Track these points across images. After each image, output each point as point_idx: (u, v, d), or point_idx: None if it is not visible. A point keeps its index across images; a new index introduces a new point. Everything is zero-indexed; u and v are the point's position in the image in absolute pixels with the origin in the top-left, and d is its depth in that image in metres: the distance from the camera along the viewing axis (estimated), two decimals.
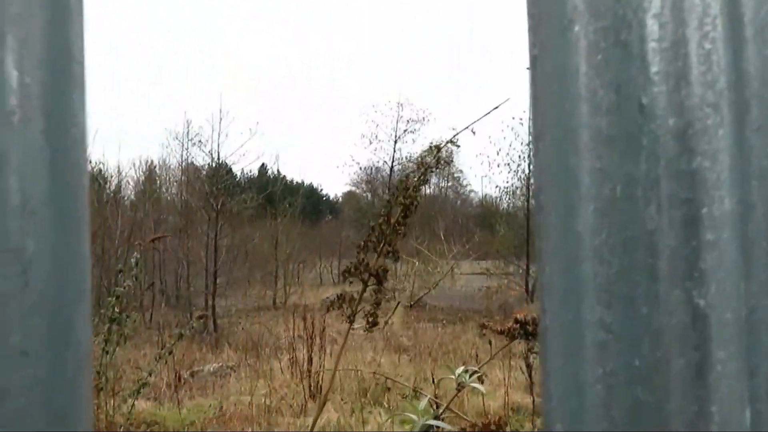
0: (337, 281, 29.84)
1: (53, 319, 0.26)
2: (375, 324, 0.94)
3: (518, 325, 1.08)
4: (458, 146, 0.95)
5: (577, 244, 0.27)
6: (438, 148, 0.95)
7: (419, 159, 0.97)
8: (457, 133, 0.96)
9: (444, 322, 14.55)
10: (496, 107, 1.12)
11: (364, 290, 0.95)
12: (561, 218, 0.27)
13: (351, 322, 0.94)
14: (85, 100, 0.26)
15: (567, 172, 0.26)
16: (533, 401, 5.34)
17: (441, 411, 1.00)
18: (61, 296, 0.26)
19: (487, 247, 22.16)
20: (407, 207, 0.95)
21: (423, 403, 0.99)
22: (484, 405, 4.92)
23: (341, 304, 0.96)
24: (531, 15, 0.26)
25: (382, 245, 0.94)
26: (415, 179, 0.96)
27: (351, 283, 0.96)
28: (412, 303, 17.65)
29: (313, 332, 6.93)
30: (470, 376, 1.06)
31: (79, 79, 0.25)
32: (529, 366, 5.05)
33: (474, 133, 1.05)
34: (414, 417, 0.98)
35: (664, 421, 0.26)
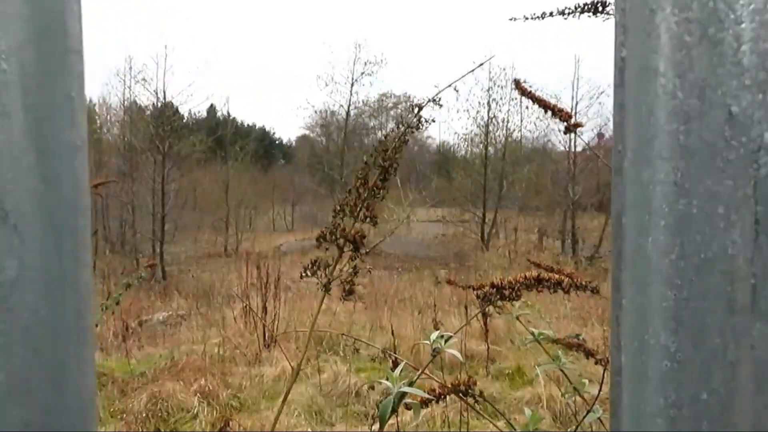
0: (290, 227, 29.79)
1: (43, 355, 0.22)
2: (351, 293, 0.92)
3: (494, 289, 1.08)
4: (441, 105, 0.92)
5: (646, 264, 0.25)
6: (419, 107, 0.91)
7: (399, 119, 0.93)
8: (440, 91, 0.92)
9: (399, 269, 14.75)
10: (480, 65, 1.08)
11: (339, 256, 0.93)
12: (633, 236, 0.25)
13: (326, 291, 0.92)
14: (84, 96, 0.21)
15: (640, 186, 0.24)
16: (487, 348, 5.51)
17: (416, 377, 1.00)
18: (53, 329, 0.22)
19: (443, 194, 22.39)
20: (386, 169, 0.92)
21: (398, 369, 0.99)
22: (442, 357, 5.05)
23: (315, 271, 0.93)
24: (619, 9, 0.23)
25: (359, 209, 0.92)
26: (395, 140, 0.93)
27: (327, 249, 0.93)
28: (367, 250, 17.80)
29: (267, 280, 6.91)
30: (446, 341, 1.06)
31: (75, 70, 0.21)
32: (485, 316, 5.19)
33: (457, 91, 1.02)
34: (389, 384, 0.98)
35: None
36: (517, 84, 1.49)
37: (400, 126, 0.91)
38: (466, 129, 25.62)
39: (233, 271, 12.79)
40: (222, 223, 20.89)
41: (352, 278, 0.93)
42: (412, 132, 0.89)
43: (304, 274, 0.95)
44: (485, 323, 5.18)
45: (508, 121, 20.26)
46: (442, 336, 1.07)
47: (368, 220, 0.94)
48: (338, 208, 0.96)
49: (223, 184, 21.18)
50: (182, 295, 10.06)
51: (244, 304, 7.37)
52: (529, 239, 19.96)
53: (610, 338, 0.28)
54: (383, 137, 0.92)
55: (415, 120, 0.91)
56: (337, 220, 0.95)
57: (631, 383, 0.26)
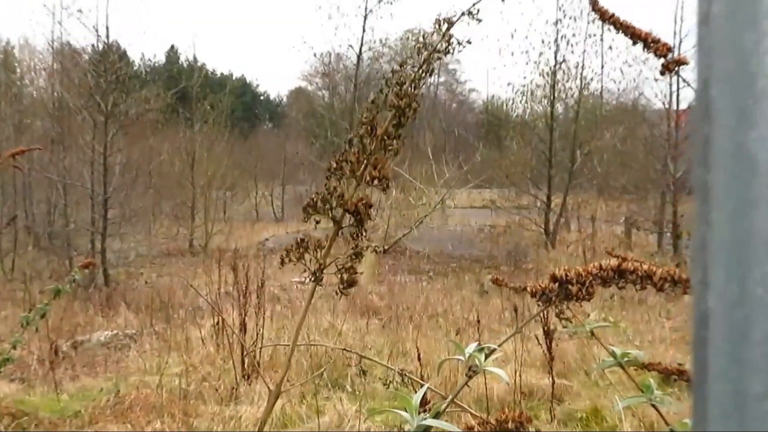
0: (280, 215, 30.02)
1: None
2: (353, 284, 0.92)
3: (556, 284, 1.06)
4: (479, 20, 0.90)
5: (747, 242, 0.27)
6: (450, 22, 0.89)
7: (421, 41, 0.91)
8: (478, 1, 0.90)
9: (431, 274, 14.82)
10: None
11: (336, 234, 0.92)
12: (730, 209, 0.27)
13: (317, 281, 0.91)
14: None
15: (740, 149, 0.26)
16: (552, 382, 5.51)
17: (445, 405, 0.99)
18: None
19: (492, 170, 22.31)
20: (402, 111, 0.91)
21: (419, 395, 0.98)
22: (486, 388, 5.05)
23: (302, 254, 0.92)
24: None
25: (363, 167, 0.90)
26: (416, 70, 0.91)
27: (318, 222, 0.93)
28: (386, 247, 17.85)
29: (247, 287, 6.94)
30: (487, 357, 1.04)
31: None
32: (548, 335, 5.17)
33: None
34: (405, 415, 0.97)
35: None
36: (595, 5, 1.46)
37: (423, 50, 0.88)
38: (525, 78, 25.36)
39: (201, 274, 12.92)
40: (186, 210, 21.12)
41: (353, 264, 0.92)
42: (439, 58, 0.87)
43: (286, 259, 0.94)
44: (549, 346, 5.17)
45: (583, 68, 20.06)
46: (481, 349, 1.06)
47: (376, 182, 0.93)
48: (335, 166, 0.95)
49: (188, 156, 21.39)
50: (131, 307, 10.19)
51: (216, 321, 7.44)
52: (612, 232, 19.81)
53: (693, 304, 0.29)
54: (398, 65, 0.90)
55: (443, 42, 0.88)
56: (333, 183, 0.94)
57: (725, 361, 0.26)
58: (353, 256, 0.94)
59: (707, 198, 0.28)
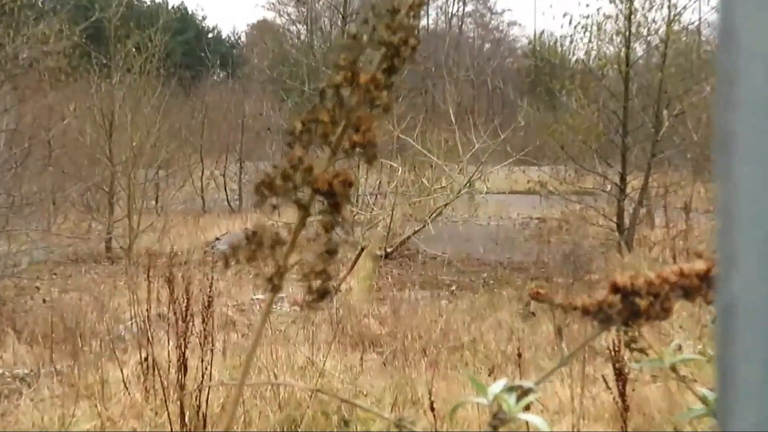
0: (237, 207, 29.83)
1: None
2: (325, 294, 0.92)
3: (618, 295, 1.07)
4: None
5: None
6: None
7: None
8: None
9: (453, 288, 14.78)
10: None
11: (302, 223, 0.92)
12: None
13: (275, 289, 0.92)
14: None
15: None
16: None
17: None
18: None
19: (543, 138, 22.11)
20: (395, 50, 0.91)
21: None
22: None
23: (254, 253, 0.93)
24: None
25: (341, 129, 0.91)
26: None
27: (275, 208, 0.93)
28: (388, 249, 17.77)
29: (188, 308, 6.91)
30: (519, 399, 1.05)
31: None
32: (621, 375, 5.15)
33: None
34: None
35: None
36: None
37: None
38: (588, 7, 25.18)
39: (123, 290, 12.90)
40: (102, 197, 21.03)
41: (325, 266, 0.92)
42: None
43: (232, 260, 0.94)
44: (622, 391, 5.15)
45: None
46: (512, 389, 1.06)
47: (358, 150, 0.93)
48: (300, 128, 0.95)
49: (104, 120, 21.19)
50: (23, 337, 10.19)
51: (145, 356, 7.43)
52: (715, 228, 19.65)
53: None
54: None
55: None
56: (298, 153, 0.94)
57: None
58: (326, 255, 0.94)
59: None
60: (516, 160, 21.51)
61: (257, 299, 12.20)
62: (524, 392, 1.09)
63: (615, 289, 1.11)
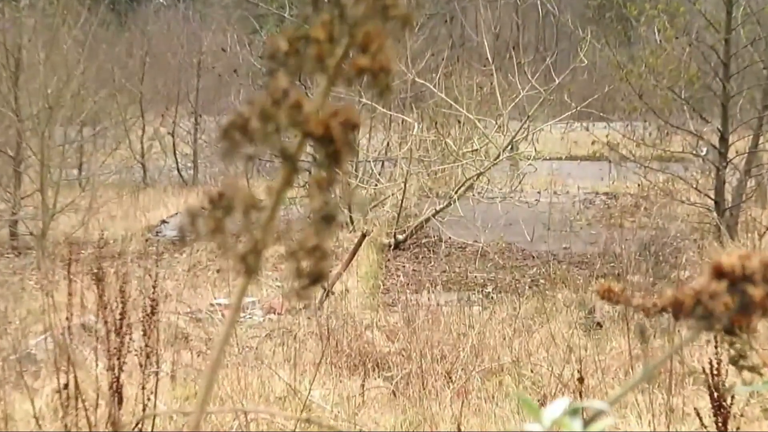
0: (191, 178, 24.93)
1: None
2: (318, 278, 0.77)
3: (723, 282, 0.89)
4: None
5: None
6: None
7: None
8: None
9: (489, 289, 12.68)
10: None
11: (287, 180, 0.76)
12: None
13: (249, 272, 0.78)
14: None
15: None
16: None
17: None
18: None
19: (614, 85, 18.50)
20: None
21: None
22: None
23: (220, 224, 0.78)
24: None
25: (342, 50, 0.77)
26: None
27: (250, 160, 0.79)
28: (400, 236, 15.62)
29: (123, 315, 6.30)
30: (587, 425, 0.92)
31: None
32: (721, 405, 4.56)
33: None
34: None
35: None
36: None
37: None
38: None
39: (35, 290, 12.00)
40: (6, 164, 17.82)
41: (319, 241, 0.76)
42: None
43: (190, 235, 0.77)
44: (723, 428, 4.65)
45: None
46: (575, 411, 0.91)
47: (366, 79, 0.78)
48: (286, 48, 0.80)
49: (7, 60, 18.11)
50: None
51: (65, 381, 6.53)
52: None
53: None
54: None
55: None
56: (282, 83, 0.78)
57: None
58: (320, 224, 0.77)
59: None
60: (576, 114, 18.07)
61: (218, 304, 10.75)
62: (594, 416, 0.98)
63: (719, 273, 0.95)
